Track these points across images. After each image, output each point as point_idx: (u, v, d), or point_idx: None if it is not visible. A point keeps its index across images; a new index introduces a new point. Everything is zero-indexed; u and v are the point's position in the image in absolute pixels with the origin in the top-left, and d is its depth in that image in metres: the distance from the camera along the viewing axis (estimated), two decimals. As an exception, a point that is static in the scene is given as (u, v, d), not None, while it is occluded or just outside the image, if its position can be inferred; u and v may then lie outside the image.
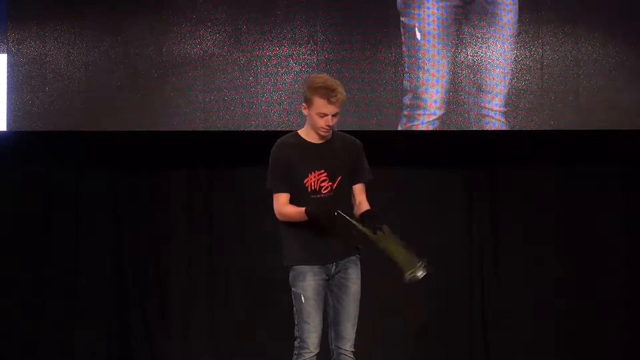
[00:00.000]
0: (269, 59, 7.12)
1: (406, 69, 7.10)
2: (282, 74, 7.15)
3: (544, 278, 7.49)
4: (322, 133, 5.02)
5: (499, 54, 7.12)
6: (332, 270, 5.04)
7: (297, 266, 5.02)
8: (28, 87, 7.08)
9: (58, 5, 7.11)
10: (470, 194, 7.56)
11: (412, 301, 7.34)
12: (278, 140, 5.07)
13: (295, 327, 5.01)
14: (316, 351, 4.99)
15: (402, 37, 7.10)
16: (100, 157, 7.46)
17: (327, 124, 4.97)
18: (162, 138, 7.28)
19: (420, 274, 4.81)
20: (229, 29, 7.14)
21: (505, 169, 7.53)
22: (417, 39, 7.09)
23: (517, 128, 7.11)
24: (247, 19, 7.12)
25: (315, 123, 4.99)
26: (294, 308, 5.01)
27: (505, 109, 7.12)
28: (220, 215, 7.55)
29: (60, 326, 7.42)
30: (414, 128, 7.11)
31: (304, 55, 7.14)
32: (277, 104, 7.13)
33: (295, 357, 5.00)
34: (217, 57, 7.13)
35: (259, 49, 7.14)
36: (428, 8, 7.11)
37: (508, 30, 7.13)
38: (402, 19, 7.12)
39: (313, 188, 5.00)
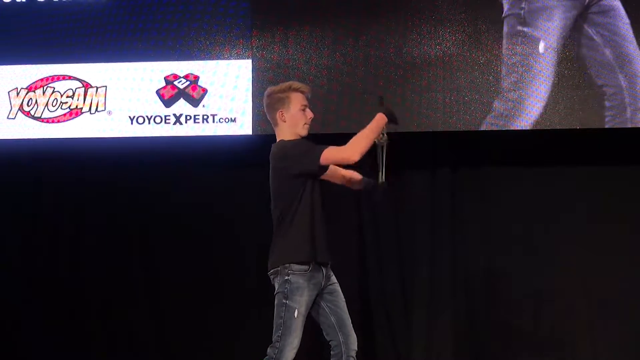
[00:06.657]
0: (509, 58, 7.07)
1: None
2: (522, 72, 7.07)
3: None
4: (306, 128, 5.11)
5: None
6: (322, 280, 5.00)
7: (295, 279, 4.92)
8: (272, 92, 7.27)
9: (300, 11, 7.27)
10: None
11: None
12: (281, 140, 5.10)
13: (277, 336, 4.91)
14: None
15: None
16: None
17: (309, 116, 5.09)
18: (402, 138, 7.29)
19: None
20: (468, 29, 7.12)
21: None
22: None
23: None
24: (487, 19, 7.10)
25: (299, 120, 5.09)
26: (280, 318, 4.93)
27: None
28: (462, 216, 7.54)
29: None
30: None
31: (545, 54, 7.05)
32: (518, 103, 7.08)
33: None
34: (456, 57, 7.13)
35: (498, 48, 7.11)
36: (554, 21, 6.97)
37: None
38: (523, 28, 6.99)
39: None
